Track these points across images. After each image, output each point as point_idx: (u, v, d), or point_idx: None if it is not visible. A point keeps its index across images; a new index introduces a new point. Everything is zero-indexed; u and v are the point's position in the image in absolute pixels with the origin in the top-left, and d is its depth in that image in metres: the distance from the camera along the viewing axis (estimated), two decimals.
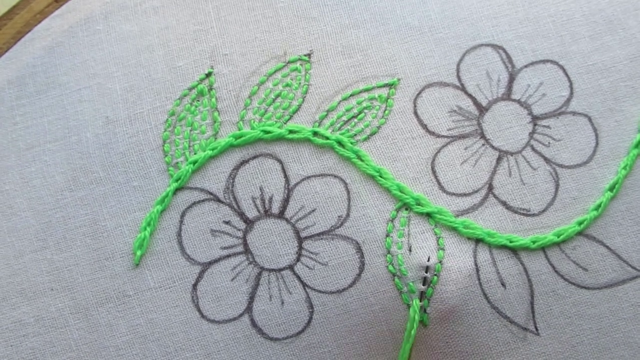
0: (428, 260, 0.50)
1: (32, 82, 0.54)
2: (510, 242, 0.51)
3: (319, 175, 0.52)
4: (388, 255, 0.51)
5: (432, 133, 0.53)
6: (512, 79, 0.54)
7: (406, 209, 0.51)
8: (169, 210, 0.52)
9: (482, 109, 0.53)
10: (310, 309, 0.51)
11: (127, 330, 0.51)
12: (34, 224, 0.52)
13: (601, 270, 0.51)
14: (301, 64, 0.54)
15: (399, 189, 0.51)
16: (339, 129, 0.52)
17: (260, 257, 0.51)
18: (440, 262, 0.51)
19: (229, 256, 0.51)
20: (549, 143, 0.53)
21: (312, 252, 0.51)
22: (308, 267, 0.51)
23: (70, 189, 0.52)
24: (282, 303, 0.51)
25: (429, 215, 0.51)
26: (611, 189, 0.52)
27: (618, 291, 0.51)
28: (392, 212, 0.51)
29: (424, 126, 0.53)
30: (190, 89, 0.53)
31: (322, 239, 0.51)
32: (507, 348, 0.51)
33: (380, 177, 0.52)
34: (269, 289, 0.51)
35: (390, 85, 0.53)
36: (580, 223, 0.52)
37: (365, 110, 0.53)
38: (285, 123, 0.52)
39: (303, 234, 0.51)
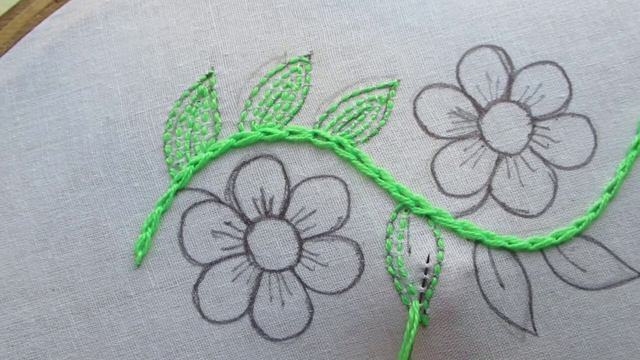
0: (427, 262, 0.51)
1: (32, 82, 0.54)
2: (509, 243, 0.51)
3: (319, 177, 0.52)
4: (388, 256, 0.51)
5: (431, 134, 0.53)
6: (511, 80, 0.54)
7: (406, 211, 0.52)
8: (170, 211, 0.52)
9: (482, 110, 0.53)
10: (310, 309, 0.51)
11: (128, 331, 0.51)
12: (35, 225, 0.52)
13: (599, 271, 0.51)
14: (301, 65, 0.54)
15: (399, 191, 0.52)
16: (339, 130, 0.53)
17: (261, 258, 0.51)
18: (439, 263, 0.51)
19: (229, 257, 0.51)
20: (547, 144, 0.53)
21: (312, 253, 0.51)
22: (308, 268, 0.51)
23: (71, 189, 0.52)
24: (283, 304, 0.51)
25: (428, 216, 0.51)
26: (609, 190, 0.52)
27: (616, 292, 0.51)
28: (391, 213, 0.51)
29: (424, 127, 0.53)
30: (191, 89, 0.53)
31: (322, 240, 0.51)
32: (506, 348, 0.51)
33: (380, 178, 0.52)
34: (269, 289, 0.51)
35: (390, 87, 0.53)
36: (578, 224, 0.52)
37: (365, 112, 0.53)
38: (285, 124, 0.53)
39: (303, 235, 0.51)
